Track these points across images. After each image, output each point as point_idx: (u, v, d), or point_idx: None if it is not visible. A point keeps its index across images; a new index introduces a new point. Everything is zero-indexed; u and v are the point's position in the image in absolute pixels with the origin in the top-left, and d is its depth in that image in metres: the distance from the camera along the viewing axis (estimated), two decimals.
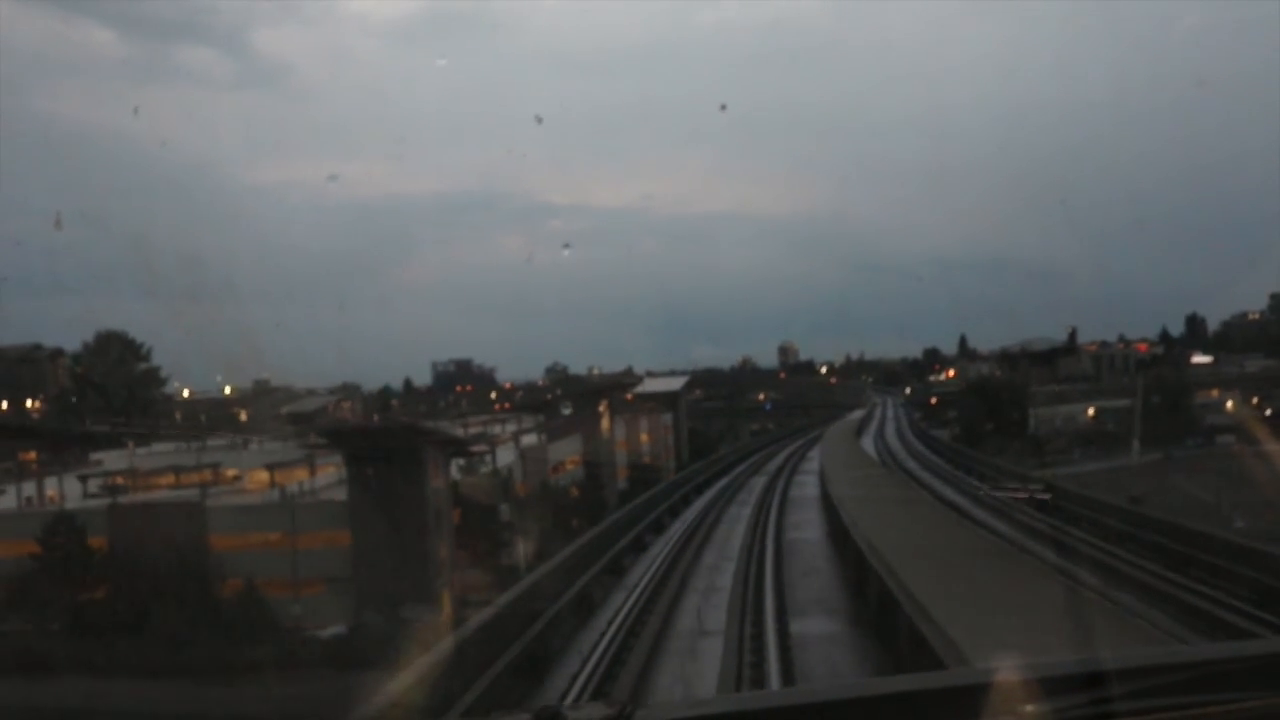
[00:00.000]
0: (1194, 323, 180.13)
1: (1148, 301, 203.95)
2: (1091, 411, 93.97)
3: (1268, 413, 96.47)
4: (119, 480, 47.98)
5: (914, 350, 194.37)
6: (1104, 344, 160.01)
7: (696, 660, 16.22)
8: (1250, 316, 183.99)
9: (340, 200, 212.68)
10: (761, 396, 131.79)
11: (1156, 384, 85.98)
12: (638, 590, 21.58)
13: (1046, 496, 23.82)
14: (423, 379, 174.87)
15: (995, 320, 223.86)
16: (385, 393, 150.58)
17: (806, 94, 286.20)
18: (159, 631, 29.03)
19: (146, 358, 75.42)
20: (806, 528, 30.67)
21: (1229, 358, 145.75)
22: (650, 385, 74.01)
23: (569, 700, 12.94)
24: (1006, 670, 1.96)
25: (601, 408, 59.08)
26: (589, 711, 1.87)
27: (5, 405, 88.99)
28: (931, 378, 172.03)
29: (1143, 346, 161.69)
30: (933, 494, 36.75)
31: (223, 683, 22.84)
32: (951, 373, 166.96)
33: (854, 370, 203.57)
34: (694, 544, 28.51)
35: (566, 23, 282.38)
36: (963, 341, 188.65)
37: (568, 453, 53.52)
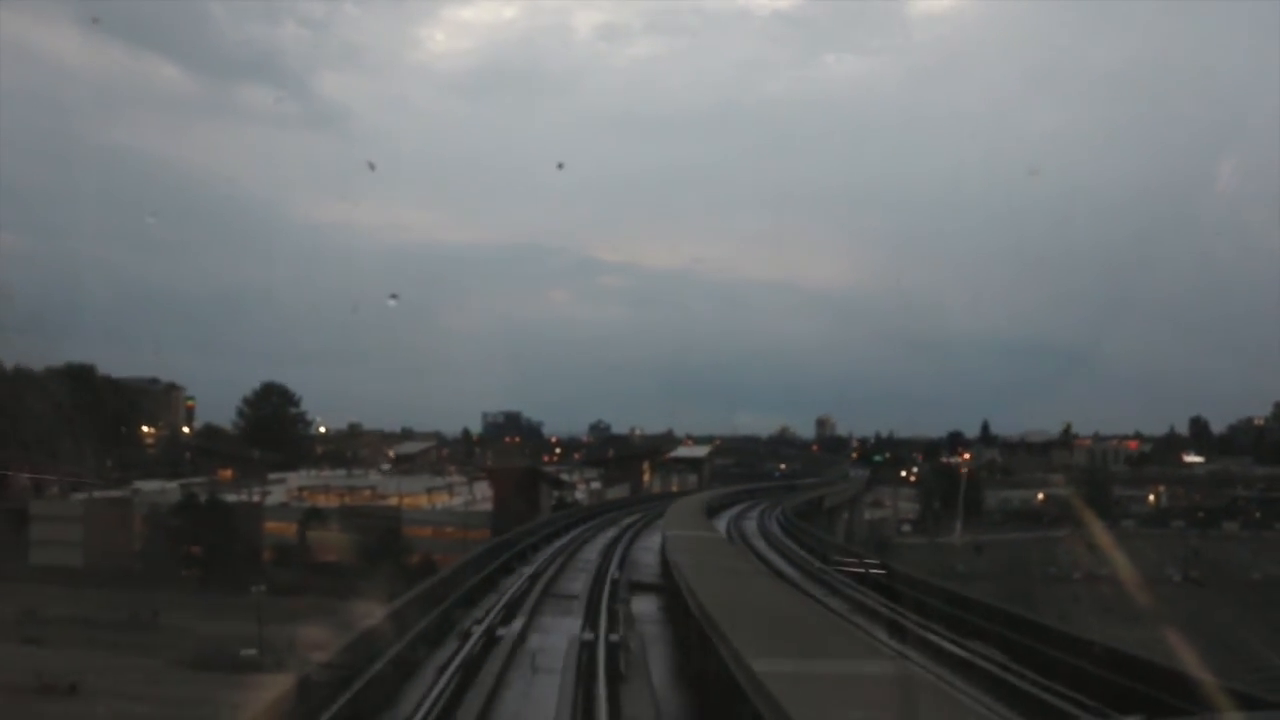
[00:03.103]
0: (1196, 424, 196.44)
1: (1166, 398, 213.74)
2: (1041, 496, 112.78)
3: (1201, 507, 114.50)
4: (304, 494, 69.83)
5: (944, 431, 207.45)
6: (1097, 438, 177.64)
7: None
8: (1255, 421, 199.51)
9: (394, 243, 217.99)
10: (783, 466, 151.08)
11: (1086, 478, 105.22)
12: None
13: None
14: (474, 426, 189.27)
15: (1026, 404, 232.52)
16: (462, 439, 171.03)
17: (861, 168, 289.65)
18: (371, 578, 50.30)
19: (298, 404, 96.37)
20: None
21: (1227, 459, 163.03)
22: (682, 451, 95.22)
23: None
24: None
25: (644, 465, 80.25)
26: None
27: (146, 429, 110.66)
28: (948, 459, 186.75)
29: (1133, 444, 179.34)
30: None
31: None
32: (967, 455, 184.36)
33: (881, 448, 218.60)
34: None
35: (625, 84, 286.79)
36: (985, 427, 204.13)
37: (618, 495, 74.34)
